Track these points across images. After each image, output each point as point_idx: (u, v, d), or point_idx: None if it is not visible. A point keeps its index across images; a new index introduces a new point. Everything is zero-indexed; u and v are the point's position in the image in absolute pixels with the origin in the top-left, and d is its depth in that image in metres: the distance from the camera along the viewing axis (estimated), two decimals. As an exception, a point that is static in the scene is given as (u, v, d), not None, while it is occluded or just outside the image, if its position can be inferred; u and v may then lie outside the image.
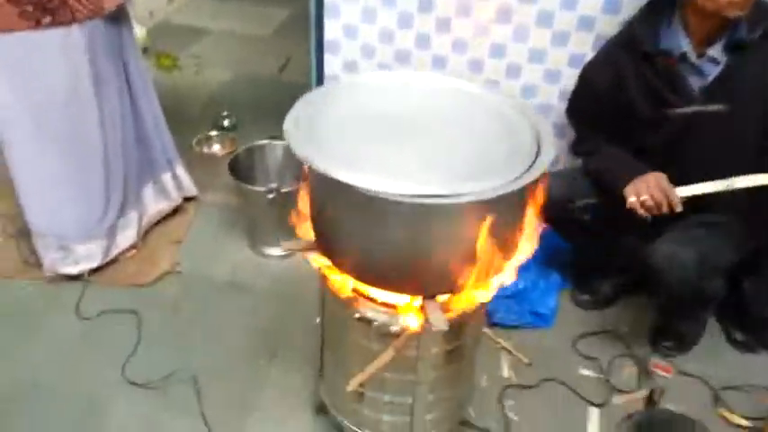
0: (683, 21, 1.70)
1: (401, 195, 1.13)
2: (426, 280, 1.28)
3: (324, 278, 1.49)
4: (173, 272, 2.27)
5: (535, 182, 1.21)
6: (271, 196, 2.14)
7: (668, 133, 1.80)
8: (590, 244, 2.09)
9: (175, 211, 2.50)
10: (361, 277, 1.33)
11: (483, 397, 1.90)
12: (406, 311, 1.36)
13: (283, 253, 2.35)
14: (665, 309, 2.03)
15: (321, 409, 1.80)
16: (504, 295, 2.14)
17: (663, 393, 1.59)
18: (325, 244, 1.38)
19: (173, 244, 2.37)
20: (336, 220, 1.30)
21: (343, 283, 1.40)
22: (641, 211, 1.74)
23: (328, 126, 1.30)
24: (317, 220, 1.38)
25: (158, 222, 2.44)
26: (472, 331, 1.51)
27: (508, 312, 2.13)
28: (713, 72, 1.71)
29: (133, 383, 1.89)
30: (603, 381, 1.97)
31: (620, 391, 1.93)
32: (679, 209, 1.71)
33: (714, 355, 2.06)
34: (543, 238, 2.28)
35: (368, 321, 1.41)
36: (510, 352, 2.06)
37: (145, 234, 2.38)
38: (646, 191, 1.73)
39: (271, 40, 3.96)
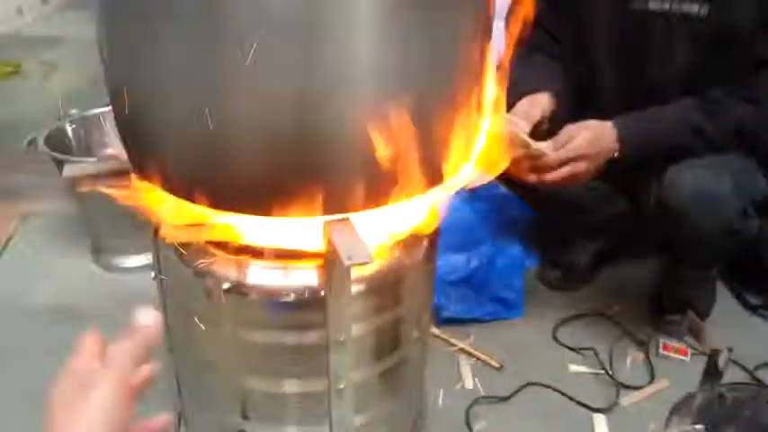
0: None
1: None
2: (330, 169, 0.69)
3: (158, 229, 0.86)
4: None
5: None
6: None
7: (625, 37, 1.35)
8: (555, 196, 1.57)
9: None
10: (194, 185, 0.71)
11: (441, 420, 1.29)
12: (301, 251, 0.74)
13: (139, 264, 1.67)
14: (673, 270, 1.50)
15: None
16: (452, 280, 1.56)
17: (730, 354, 1.03)
18: (134, 136, 0.76)
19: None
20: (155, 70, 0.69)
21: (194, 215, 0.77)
22: None
23: None
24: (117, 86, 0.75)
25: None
26: (413, 292, 0.91)
27: (462, 302, 1.55)
28: None
29: None
30: (603, 377, 1.41)
31: (628, 387, 1.38)
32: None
33: (733, 326, 1.55)
34: (500, 206, 1.79)
35: (242, 292, 0.79)
36: (471, 355, 1.46)
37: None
38: None
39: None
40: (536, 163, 1.23)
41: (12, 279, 1.64)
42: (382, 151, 0.69)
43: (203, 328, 0.83)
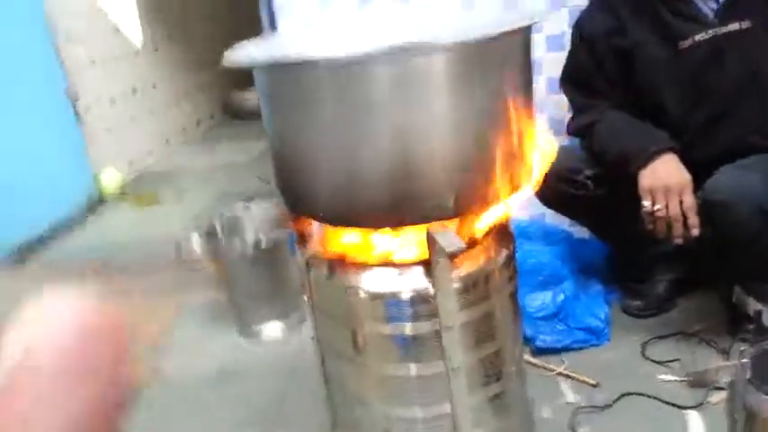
0: None
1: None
2: (427, 191, 0.99)
3: (308, 262, 1.19)
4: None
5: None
6: (252, 251, 1.85)
7: (688, 70, 1.59)
8: (621, 233, 1.79)
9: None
10: (340, 213, 1.04)
11: (548, 430, 1.47)
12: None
13: (278, 333, 2.00)
14: (737, 274, 1.66)
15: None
16: (541, 316, 1.78)
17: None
18: (293, 189, 1.10)
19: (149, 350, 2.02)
20: (302, 136, 1.03)
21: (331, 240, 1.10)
22: (650, 227, 1.52)
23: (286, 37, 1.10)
24: (280, 159, 1.11)
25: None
26: (499, 290, 1.15)
27: (552, 333, 1.75)
28: None
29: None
30: (692, 382, 1.56)
31: (717, 389, 1.51)
32: (695, 233, 1.48)
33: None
34: (576, 249, 2.01)
35: (376, 296, 1.09)
36: (569, 377, 1.65)
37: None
38: (662, 194, 1.49)
39: (253, 164, 3.98)
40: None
41: (178, 354, 1.99)
42: (459, 177, 0.99)
43: (346, 327, 1.12)
